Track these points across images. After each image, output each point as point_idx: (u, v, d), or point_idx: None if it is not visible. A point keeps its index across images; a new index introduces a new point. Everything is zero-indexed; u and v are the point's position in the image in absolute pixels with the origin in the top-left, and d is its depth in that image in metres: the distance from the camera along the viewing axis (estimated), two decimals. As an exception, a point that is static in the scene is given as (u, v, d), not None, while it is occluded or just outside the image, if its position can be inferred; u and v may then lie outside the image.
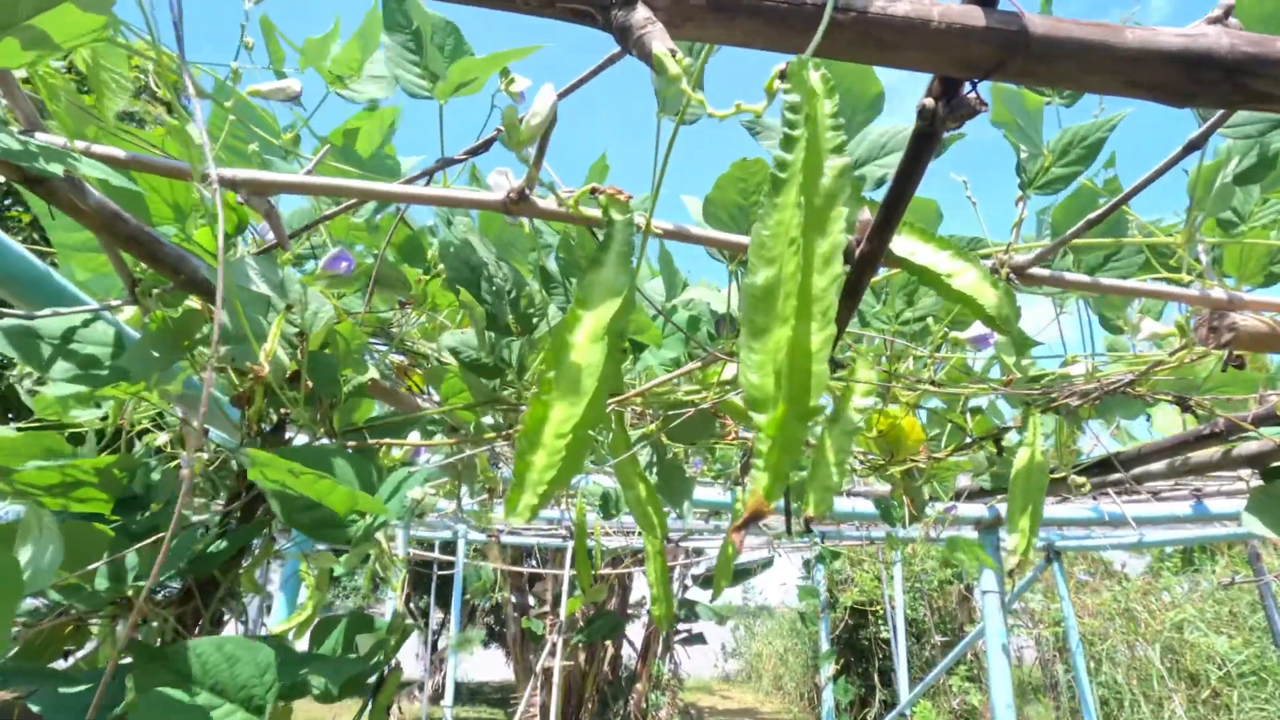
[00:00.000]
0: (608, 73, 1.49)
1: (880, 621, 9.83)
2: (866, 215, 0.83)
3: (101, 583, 0.94)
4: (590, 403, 0.57)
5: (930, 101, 0.56)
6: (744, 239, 0.91)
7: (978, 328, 1.10)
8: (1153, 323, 0.99)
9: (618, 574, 8.97)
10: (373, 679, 1.09)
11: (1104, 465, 1.76)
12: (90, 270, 0.99)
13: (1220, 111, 0.79)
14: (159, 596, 1.28)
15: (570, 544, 6.32)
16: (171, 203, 0.94)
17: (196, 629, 1.32)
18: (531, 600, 9.65)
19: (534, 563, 9.94)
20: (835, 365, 1.08)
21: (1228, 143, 0.93)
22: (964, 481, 2.28)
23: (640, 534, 6.72)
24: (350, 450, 1.23)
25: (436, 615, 10.30)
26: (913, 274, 0.86)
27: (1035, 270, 0.87)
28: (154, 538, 0.98)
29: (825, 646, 4.38)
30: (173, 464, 1.21)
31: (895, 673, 6.15)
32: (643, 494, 1.33)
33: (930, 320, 1.22)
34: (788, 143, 0.49)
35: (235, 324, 0.97)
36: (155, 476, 1.10)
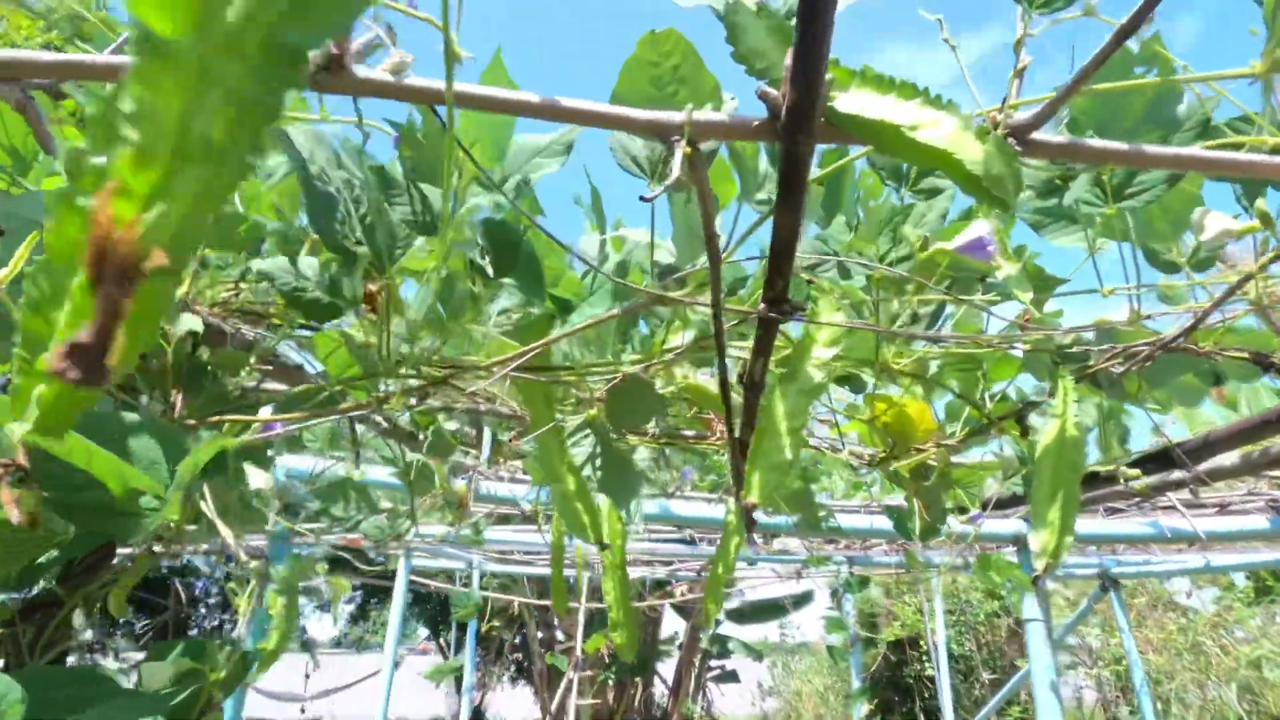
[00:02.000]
0: None
1: (925, 658, 9.22)
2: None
3: None
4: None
5: None
6: (659, 114, 0.65)
7: (970, 232, 0.82)
8: (1222, 218, 0.71)
9: (647, 607, 8.59)
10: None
11: (1160, 460, 1.43)
12: None
13: None
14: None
15: (583, 574, 6.01)
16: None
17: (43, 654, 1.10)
18: (560, 635, 9.29)
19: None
20: (791, 308, 0.82)
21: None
22: (995, 490, 1.95)
23: (666, 564, 6.37)
24: (180, 427, 1.00)
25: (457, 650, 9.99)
26: (867, 140, 0.60)
27: (1042, 136, 0.60)
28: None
29: (856, 684, 3.98)
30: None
31: (941, 713, 5.64)
32: (571, 488, 1.06)
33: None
34: None
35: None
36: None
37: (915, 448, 1.32)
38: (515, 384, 1.14)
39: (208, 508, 1.06)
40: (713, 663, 9.27)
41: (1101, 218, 0.93)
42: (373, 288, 1.11)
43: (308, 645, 13.37)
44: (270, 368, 1.32)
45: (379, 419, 1.53)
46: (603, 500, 1.53)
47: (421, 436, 1.94)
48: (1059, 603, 8.64)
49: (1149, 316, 1.00)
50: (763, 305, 0.84)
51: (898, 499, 2.27)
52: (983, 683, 8.71)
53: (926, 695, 8.83)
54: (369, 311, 1.09)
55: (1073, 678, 8.56)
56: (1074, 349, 1.03)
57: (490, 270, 0.95)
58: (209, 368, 1.14)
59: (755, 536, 2.05)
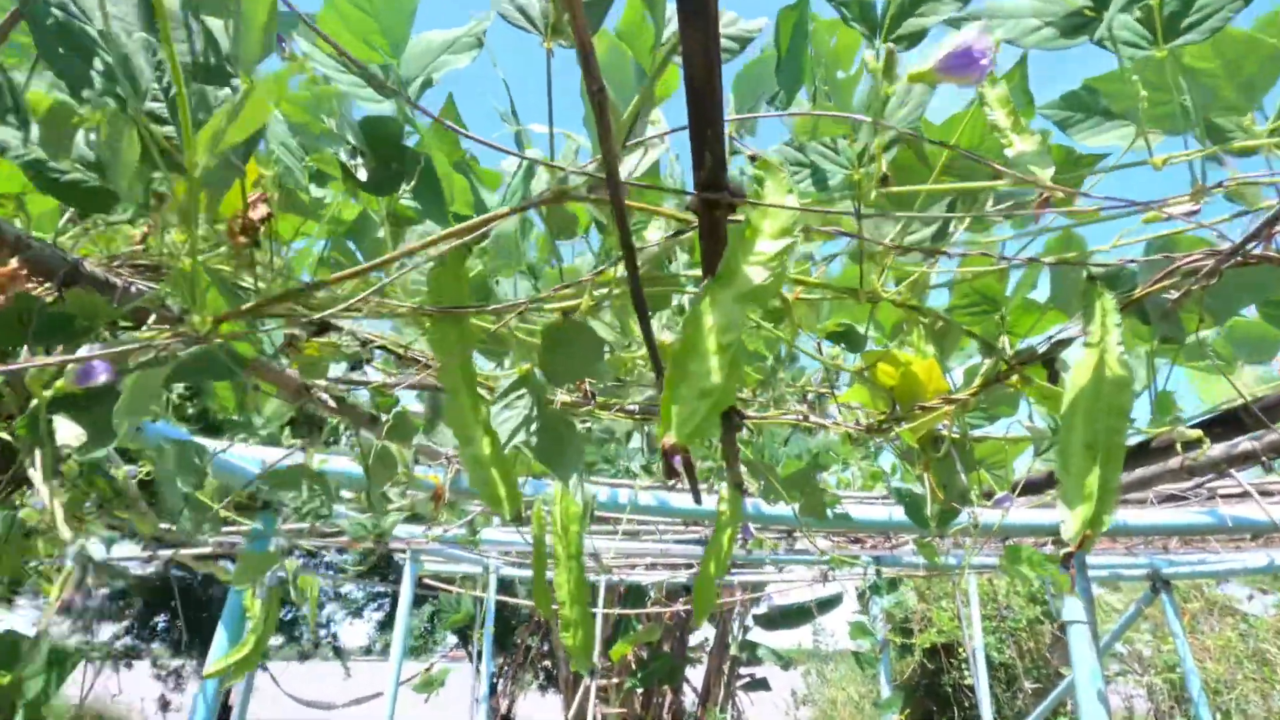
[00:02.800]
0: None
1: (964, 665, 8.81)
2: None
3: None
4: None
5: None
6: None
7: (958, 40, 0.60)
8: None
9: (673, 612, 8.35)
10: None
11: (1226, 424, 1.17)
12: None
13: None
14: None
15: (601, 580, 5.79)
16: None
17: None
18: (586, 642, 9.06)
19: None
20: (731, 193, 0.61)
21: None
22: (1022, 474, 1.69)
23: (689, 567, 6.13)
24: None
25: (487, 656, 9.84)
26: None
27: None
28: None
29: (886, 691, 3.69)
30: None
31: (980, 724, 5.29)
32: (484, 452, 0.86)
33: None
34: None
35: None
36: None
37: (922, 405, 1.09)
38: (424, 328, 0.95)
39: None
40: (743, 670, 8.97)
41: (1149, 92, 0.70)
42: (254, 216, 0.93)
43: (339, 653, 13.36)
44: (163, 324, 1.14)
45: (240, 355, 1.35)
46: (564, 484, 1.32)
47: (384, 419, 1.76)
48: (1103, 608, 8.17)
49: (1213, 225, 0.77)
50: (693, 195, 0.64)
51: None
52: (1025, 692, 8.27)
53: (966, 705, 8.42)
54: (243, 240, 0.90)
55: (1122, 686, 8.07)
56: (1111, 266, 0.80)
57: (367, 178, 0.76)
58: (72, 318, 0.97)
59: (750, 528, 1.83)
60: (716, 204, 0.62)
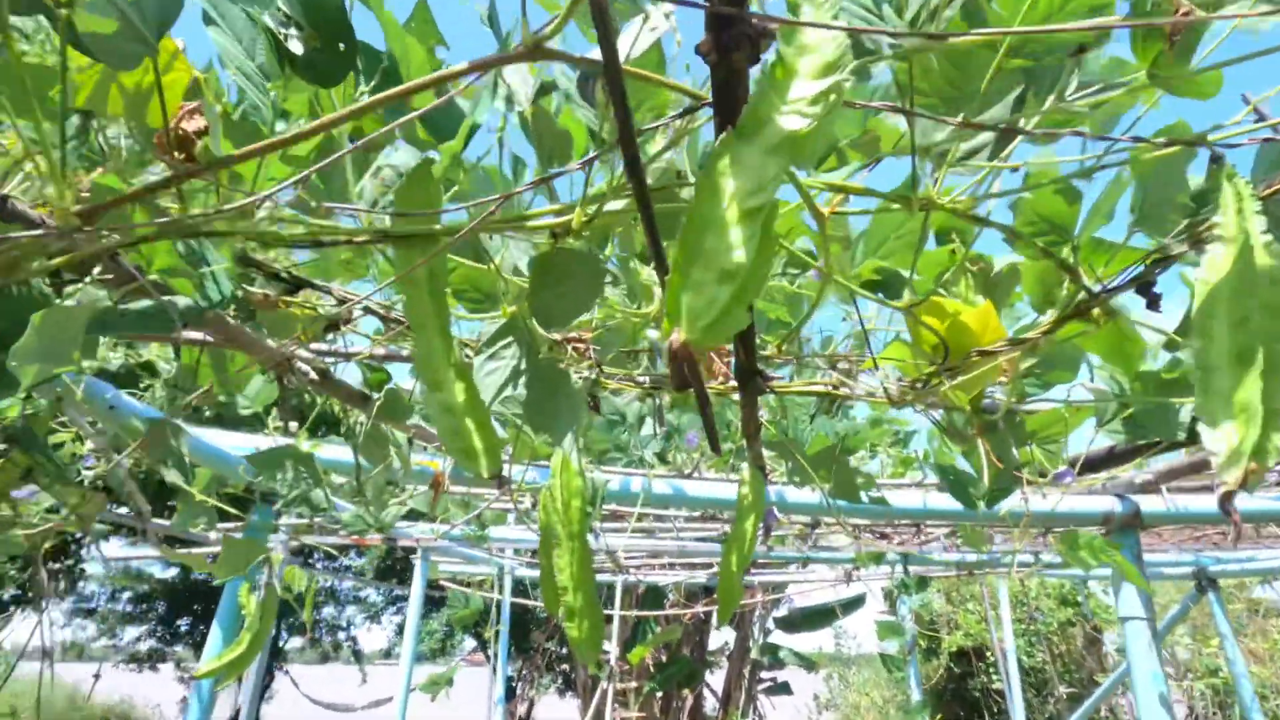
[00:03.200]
0: None
1: (992, 669, 8.53)
2: None
3: None
4: None
5: None
6: None
7: None
8: None
9: (692, 614, 8.17)
10: None
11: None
12: None
13: None
14: None
15: (619, 580, 5.63)
16: None
17: None
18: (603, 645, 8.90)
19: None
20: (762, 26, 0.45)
21: None
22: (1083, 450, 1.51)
23: (708, 567, 5.96)
24: None
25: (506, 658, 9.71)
26: None
27: None
28: None
29: (916, 695, 3.49)
30: None
31: (1012, 730, 5.06)
32: (458, 400, 0.71)
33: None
34: None
35: None
36: None
37: (979, 352, 0.92)
38: (389, 258, 0.80)
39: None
40: (764, 674, 8.75)
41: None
42: (190, 128, 0.78)
43: (358, 656, 13.30)
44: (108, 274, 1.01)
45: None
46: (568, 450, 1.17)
47: (375, 397, 1.62)
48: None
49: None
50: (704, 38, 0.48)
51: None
52: (1058, 696, 7.97)
53: (995, 710, 8.15)
54: (177, 156, 0.76)
55: (1160, 692, 7.75)
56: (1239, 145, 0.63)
57: (304, 62, 0.61)
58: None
59: (775, 514, 1.65)
60: (735, 43, 0.46)
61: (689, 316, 0.40)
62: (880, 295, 1.11)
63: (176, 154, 0.78)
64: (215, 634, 2.28)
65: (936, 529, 3.02)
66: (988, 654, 8.63)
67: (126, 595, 12.38)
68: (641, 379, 1.40)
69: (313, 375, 1.38)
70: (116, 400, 1.51)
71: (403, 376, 1.66)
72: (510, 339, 0.85)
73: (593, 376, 1.01)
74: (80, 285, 0.91)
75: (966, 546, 1.40)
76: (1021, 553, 4.25)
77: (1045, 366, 1.27)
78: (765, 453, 1.55)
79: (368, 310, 1.23)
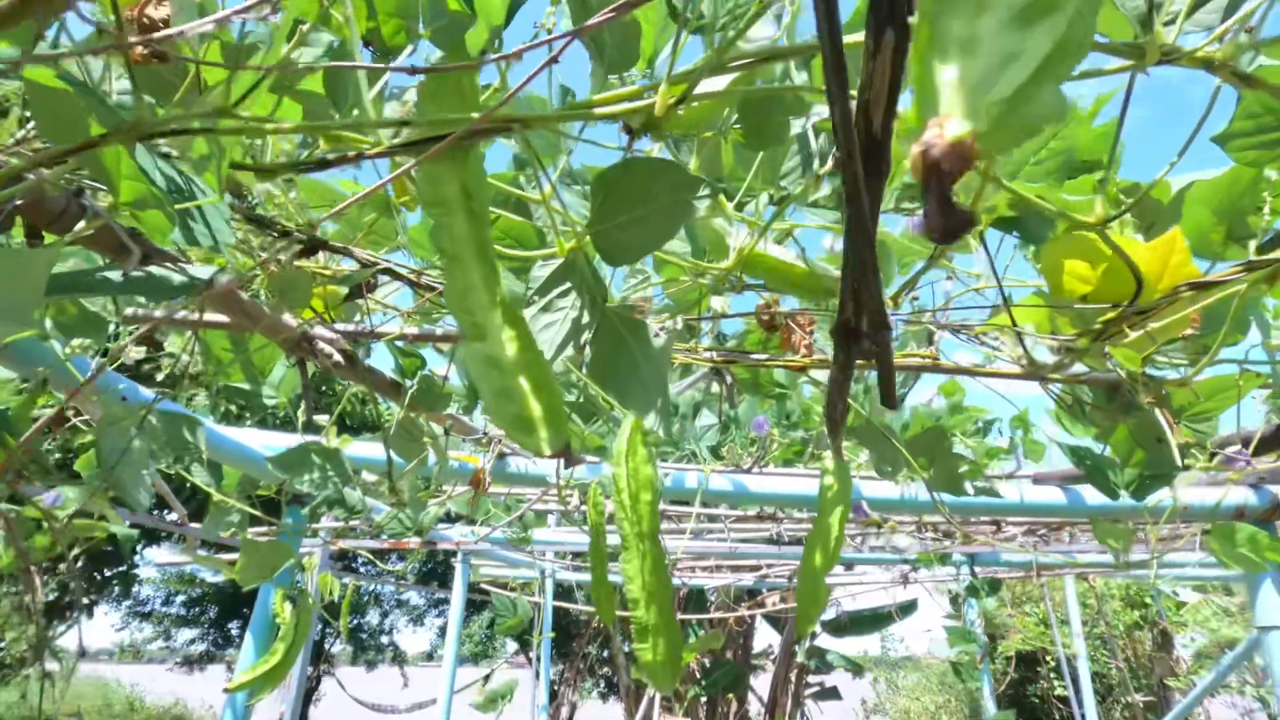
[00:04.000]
0: None
1: (1053, 675, 8.11)
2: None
3: None
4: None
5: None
6: None
7: None
8: None
9: (736, 618, 7.93)
10: None
11: None
12: None
13: None
14: None
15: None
16: None
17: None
18: (647, 648, 8.67)
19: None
20: None
21: None
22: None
23: (754, 569, 5.72)
24: None
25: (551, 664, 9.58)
26: None
27: None
28: None
29: (991, 709, 3.20)
30: None
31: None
32: (507, 351, 0.52)
33: None
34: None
35: None
36: None
37: (1172, 293, 0.70)
38: (412, 171, 0.62)
39: None
40: (811, 678, 8.45)
41: None
42: (154, 14, 0.61)
43: (400, 659, 13.30)
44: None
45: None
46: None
47: (408, 385, 1.45)
48: (1209, 609, 7.36)
49: None
50: None
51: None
52: (1124, 704, 7.52)
53: (1058, 718, 7.73)
54: (141, 52, 0.59)
55: (1237, 698, 7.24)
56: None
57: None
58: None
59: (865, 508, 1.42)
60: None
61: (965, 93, 0.20)
62: (1016, 235, 0.89)
63: (140, 49, 0.60)
64: (249, 644, 2.14)
65: (1017, 526, 2.74)
66: (1046, 658, 8.21)
67: (180, 599, 12.57)
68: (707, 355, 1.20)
69: (336, 357, 1.21)
70: (131, 393, 1.36)
71: (439, 364, 1.48)
72: (569, 284, 0.66)
73: (672, 332, 0.81)
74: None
75: (1101, 533, 1.17)
76: (1088, 551, 3.93)
77: (1205, 325, 1.03)
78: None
79: (394, 276, 1.05)
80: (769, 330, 1.20)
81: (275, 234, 0.94)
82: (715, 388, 1.98)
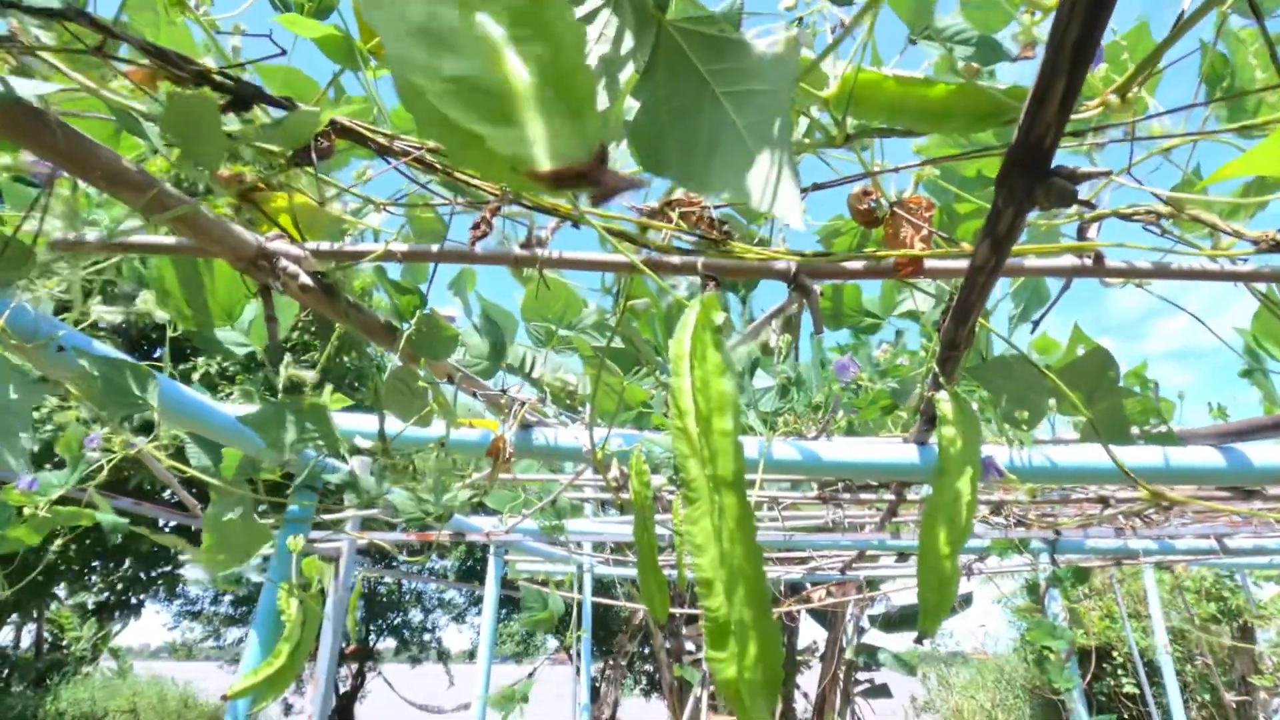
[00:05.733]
0: None
1: (1119, 671, 7.56)
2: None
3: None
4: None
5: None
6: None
7: None
8: None
9: (781, 613, 7.54)
10: None
11: None
12: None
13: None
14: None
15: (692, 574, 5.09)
16: None
17: None
18: (689, 645, 8.35)
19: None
20: None
21: None
22: None
23: (802, 561, 5.35)
24: None
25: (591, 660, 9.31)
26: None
27: None
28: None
29: (1081, 714, 2.80)
30: None
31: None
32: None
33: None
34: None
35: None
36: None
37: None
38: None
39: None
40: (860, 675, 8.02)
41: None
42: None
43: (443, 657, 13.15)
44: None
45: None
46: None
47: (404, 327, 1.16)
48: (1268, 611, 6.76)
49: None
50: None
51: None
52: (1200, 703, 6.95)
53: (1127, 716, 7.19)
54: None
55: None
56: None
57: None
58: None
59: (997, 466, 1.07)
60: None
61: None
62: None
63: None
64: (252, 644, 1.88)
65: (1119, 507, 2.35)
66: (1113, 654, 7.66)
67: (228, 598, 12.63)
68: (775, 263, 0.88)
69: (304, 278, 0.93)
70: (71, 340, 1.09)
71: (440, 299, 1.19)
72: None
73: (793, 44, 0.49)
74: None
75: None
76: (1168, 538, 3.50)
77: None
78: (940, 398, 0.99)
79: (358, 139, 0.75)
80: (868, 223, 0.88)
81: (184, 72, 0.65)
82: (774, 340, 1.65)
